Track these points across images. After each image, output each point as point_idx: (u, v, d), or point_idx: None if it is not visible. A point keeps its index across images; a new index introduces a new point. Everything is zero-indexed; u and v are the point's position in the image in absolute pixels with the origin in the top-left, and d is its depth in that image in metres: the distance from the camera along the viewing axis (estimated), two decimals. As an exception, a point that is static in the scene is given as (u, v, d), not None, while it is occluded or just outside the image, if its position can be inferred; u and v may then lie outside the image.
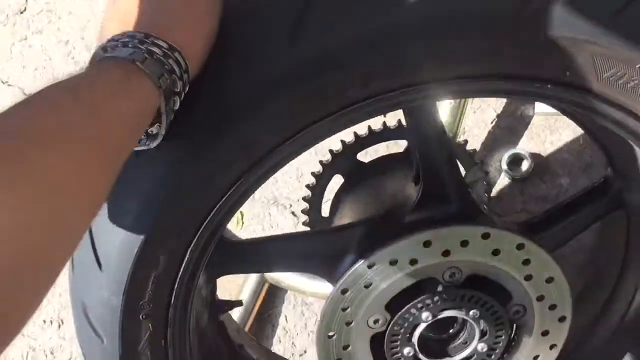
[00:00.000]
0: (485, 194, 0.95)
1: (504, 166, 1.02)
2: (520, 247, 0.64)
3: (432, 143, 0.65)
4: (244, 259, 0.72)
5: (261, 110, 0.51)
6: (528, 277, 0.66)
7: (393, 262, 0.63)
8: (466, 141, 0.89)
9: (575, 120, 0.68)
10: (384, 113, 0.58)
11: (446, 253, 0.63)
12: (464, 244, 0.63)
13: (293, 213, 1.18)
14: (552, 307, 0.68)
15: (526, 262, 0.65)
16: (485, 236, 0.63)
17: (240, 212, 1.15)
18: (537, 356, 0.71)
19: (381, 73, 0.51)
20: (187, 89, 0.51)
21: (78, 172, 0.41)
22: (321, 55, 0.49)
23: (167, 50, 0.48)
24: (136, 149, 0.50)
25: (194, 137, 0.53)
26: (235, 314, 1.03)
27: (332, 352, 0.69)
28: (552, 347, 0.71)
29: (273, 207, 1.19)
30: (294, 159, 0.56)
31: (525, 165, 1.02)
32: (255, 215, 1.17)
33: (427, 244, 0.62)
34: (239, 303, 0.82)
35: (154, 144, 0.51)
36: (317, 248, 0.71)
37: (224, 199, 0.56)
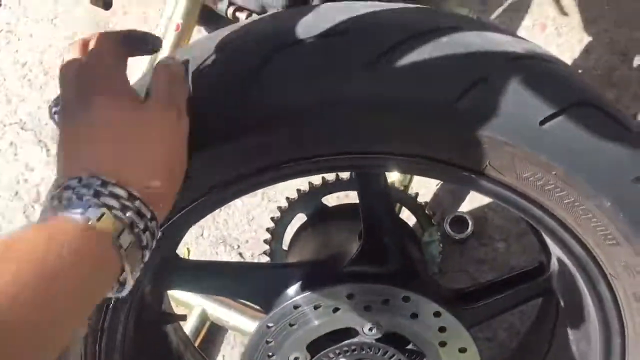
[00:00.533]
0: (440, 254, 1.00)
1: (447, 227, 1.07)
2: (437, 314, 0.69)
3: (375, 201, 0.71)
4: (192, 277, 0.78)
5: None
6: (442, 344, 0.70)
7: (317, 307, 0.68)
8: (427, 202, 0.94)
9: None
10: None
11: (368, 308, 0.68)
12: (385, 302, 0.68)
13: (240, 254, 1.24)
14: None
15: (442, 329, 0.69)
16: (406, 299, 0.68)
17: (187, 248, 1.21)
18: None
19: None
20: (157, 236, 0.48)
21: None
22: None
23: (127, 200, 0.45)
24: (108, 295, 0.47)
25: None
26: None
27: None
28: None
29: (221, 246, 1.25)
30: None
31: (466, 227, 1.07)
32: (202, 253, 1.23)
33: (350, 296, 0.68)
34: (183, 317, 0.88)
35: (124, 292, 0.47)
36: (260, 280, 0.77)
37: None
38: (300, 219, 0.95)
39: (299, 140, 0.57)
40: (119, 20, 1.51)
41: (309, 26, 0.56)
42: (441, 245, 0.98)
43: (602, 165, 0.58)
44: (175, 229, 0.65)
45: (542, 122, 0.56)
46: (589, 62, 1.19)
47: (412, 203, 0.94)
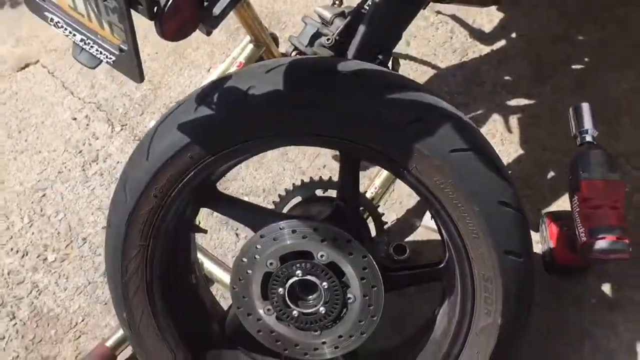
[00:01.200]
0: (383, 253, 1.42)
1: (390, 250, 1.49)
2: (364, 256, 1.10)
3: (350, 184, 1.14)
4: (224, 204, 1.21)
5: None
6: (362, 279, 1.11)
7: (294, 231, 1.10)
8: (383, 213, 1.37)
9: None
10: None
11: (323, 241, 1.10)
12: (334, 240, 1.09)
13: (236, 234, 1.64)
14: (369, 305, 1.12)
15: (364, 268, 1.11)
16: (348, 240, 1.09)
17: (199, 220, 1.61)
18: (351, 336, 1.15)
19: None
20: None
21: None
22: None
23: None
24: None
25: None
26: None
27: (239, 273, 1.14)
28: (362, 333, 1.15)
29: (224, 226, 1.66)
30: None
31: (404, 253, 1.48)
32: (210, 227, 1.64)
33: (315, 229, 1.09)
34: (205, 231, 1.28)
35: None
36: (263, 216, 1.18)
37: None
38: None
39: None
40: (191, 52, 2.00)
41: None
42: (385, 246, 1.40)
43: (479, 185, 1.02)
44: (219, 163, 1.08)
45: (451, 151, 1.01)
46: (517, 168, 1.66)
47: (373, 211, 1.36)
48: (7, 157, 1.81)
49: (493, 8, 1.96)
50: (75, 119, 1.86)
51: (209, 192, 1.19)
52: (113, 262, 1.15)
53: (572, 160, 1.36)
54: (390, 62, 1.32)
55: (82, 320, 1.54)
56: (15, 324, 1.55)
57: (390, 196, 1.63)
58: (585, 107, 1.41)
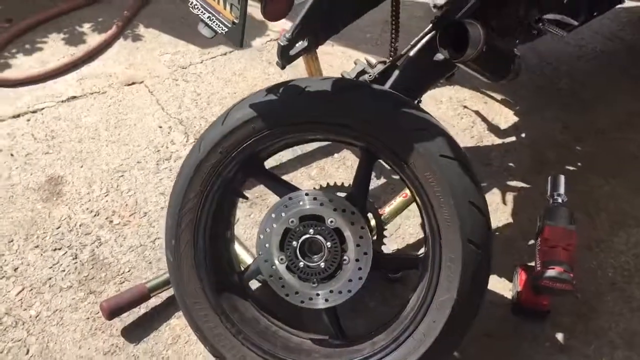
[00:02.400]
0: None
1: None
2: (362, 227, 1.45)
3: (363, 176, 1.52)
4: (265, 176, 1.59)
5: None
6: (357, 245, 1.45)
7: (315, 199, 1.47)
8: (386, 222, 1.72)
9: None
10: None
11: (335, 210, 1.45)
12: (343, 211, 1.45)
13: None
14: (359, 268, 1.45)
15: (361, 237, 1.45)
16: (352, 213, 1.45)
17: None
18: (340, 292, 1.47)
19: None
20: None
21: None
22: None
23: None
24: None
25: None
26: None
27: (266, 224, 1.50)
28: (349, 291, 1.47)
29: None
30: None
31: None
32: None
33: (330, 200, 1.46)
34: (246, 197, 1.66)
35: None
36: (294, 189, 1.55)
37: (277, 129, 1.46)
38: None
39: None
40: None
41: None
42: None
43: (456, 184, 1.38)
44: (273, 138, 1.48)
45: (440, 156, 1.39)
46: (505, 232, 1.99)
47: (378, 218, 1.72)
48: (101, 143, 2.26)
49: (511, 113, 2.39)
50: (160, 127, 2.31)
51: (257, 166, 1.59)
52: (176, 197, 1.53)
53: (542, 212, 1.70)
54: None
55: (128, 271, 1.89)
56: (76, 262, 1.91)
57: (397, 231, 1.98)
58: (562, 178, 1.77)
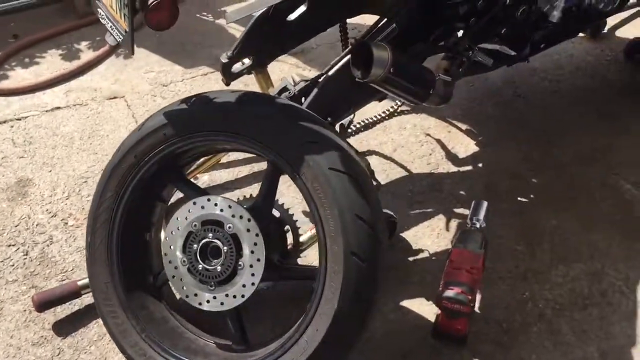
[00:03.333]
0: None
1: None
2: (257, 234, 1.50)
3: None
4: (180, 182, 1.67)
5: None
6: (252, 252, 1.50)
7: (215, 205, 1.53)
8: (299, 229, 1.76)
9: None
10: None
11: (233, 216, 1.51)
12: (240, 217, 1.51)
13: None
14: (253, 274, 1.50)
15: (255, 244, 1.50)
16: (249, 219, 1.50)
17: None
18: (234, 296, 1.51)
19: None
20: None
21: None
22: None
23: None
24: None
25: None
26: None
27: (172, 227, 1.57)
28: (242, 296, 1.51)
29: None
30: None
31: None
32: None
33: (230, 207, 1.52)
34: (165, 202, 1.74)
35: None
36: (203, 193, 1.63)
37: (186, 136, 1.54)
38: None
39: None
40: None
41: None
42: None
43: (343, 198, 1.42)
44: (183, 146, 1.56)
45: (329, 169, 1.43)
46: (443, 258, 1.99)
47: (295, 230, 1.76)
48: (73, 150, 2.40)
49: (472, 143, 2.40)
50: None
51: (175, 172, 1.67)
52: (95, 197, 1.63)
53: (456, 235, 1.71)
54: (338, 127, 1.79)
55: (71, 270, 1.99)
56: (26, 258, 2.02)
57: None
58: (484, 203, 1.78)
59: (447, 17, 1.71)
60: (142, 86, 2.70)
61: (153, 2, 1.24)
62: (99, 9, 1.41)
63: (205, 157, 2.11)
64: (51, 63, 2.84)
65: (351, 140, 2.39)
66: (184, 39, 2.99)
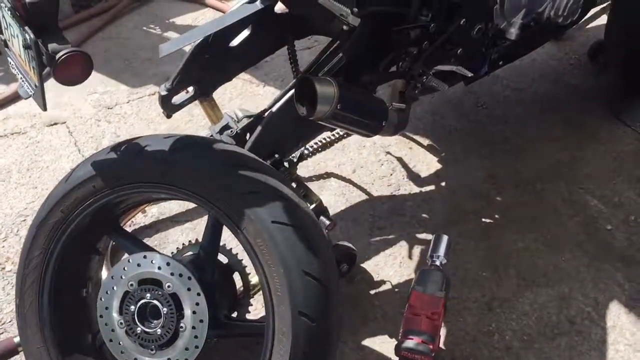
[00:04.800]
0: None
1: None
2: (199, 294, 1.37)
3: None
4: (117, 234, 1.54)
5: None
6: (194, 312, 1.38)
7: (152, 262, 1.40)
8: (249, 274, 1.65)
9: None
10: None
11: (172, 274, 1.39)
12: (179, 275, 1.39)
13: None
14: (196, 336, 1.38)
15: (197, 304, 1.38)
16: (189, 277, 1.38)
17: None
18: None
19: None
20: None
21: None
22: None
23: None
24: None
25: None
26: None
27: (106, 287, 1.44)
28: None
29: None
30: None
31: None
32: None
33: (168, 264, 1.39)
34: (101, 254, 1.61)
35: None
36: (141, 247, 1.50)
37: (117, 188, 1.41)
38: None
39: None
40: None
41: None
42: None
43: (288, 253, 1.30)
44: (115, 198, 1.42)
45: (273, 222, 1.31)
46: (406, 289, 1.90)
47: (245, 279, 1.64)
48: (11, 186, 2.24)
49: (435, 160, 2.30)
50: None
51: (109, 224, 1.53)
52: (22, 255, 1.49)
53: (416, 274, 1.61)
54: (288, 163, 1.67)
55: (10, 321, 1.85)
56: (-41, 310, 1.88)
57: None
58: (445, 238, 1.68)
59: (398, 42, 1.59)
60: (85, 110, 2.54)
61: (61, 57, 1.10)
62: (9, 58, 1.27)
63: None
64: (-13, 87, 2.67)
65: (308, 161, 2.27)
66: (129, 55, 2.83)
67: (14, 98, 2.56)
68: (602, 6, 2.27)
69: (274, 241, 1.30)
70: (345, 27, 1.42)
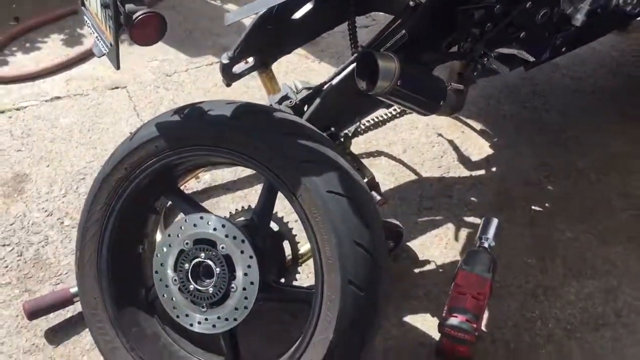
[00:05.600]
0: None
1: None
2: (251, 257, 1.42)
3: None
4: (174, 195, 1.59)
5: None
6: (245, 274, 1.42)
7: (208, 223, 1.45)
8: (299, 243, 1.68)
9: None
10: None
11: (226, 236, 1.43)
12: (233, 238, 1.43)
13: None
14: (245, 297, 1.42)
15: (249, 266, 1.42)
16: (242, 240, 1.42)
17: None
18: (227, 319, 1.44)
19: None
20: None
21: None
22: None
23: None
24: None
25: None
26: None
27: (163, 244, 1.49)
28: (234, 319, 1.44)
29: None
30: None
31: None
32: None
33: (223, 226, 1.44)
34: (158, 213, 1.66)
35: None
36: (197, 208, 1.55)
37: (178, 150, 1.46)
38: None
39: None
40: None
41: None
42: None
43: (341, 223, 1.33)
44: (176, 159, 1.47)
45: (327, 192, 1.34)
46: (451, 269, 1.91)
47: (294, 248, 1.68)
48: (72, 145, 2.32)
49: (487, 145, 2.29)
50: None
51: (168, 185, 1.59)
52: (83, 210, 1.56)
53: (463, 256, 1.62)
54: (343, 137, 1.69)
55: (66, 273, 1.94)
56: (20, 260, 1.97)
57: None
58: (495, 221, 1.68)
59: (461, 22, 1.59)
60: (145, 76, 2.61)
61: (138, 17, 1.14)
62: (85, 17, 1.32)
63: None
64: (52, 49, 2.75)
65: (360, 139, 2.29)
66: (190, 26, 2.89)
67: (79, 60, 2.64)
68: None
69: (328, 210, 1.33)
70: (411, 3, 1.42)
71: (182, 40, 2.80)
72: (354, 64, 1.54)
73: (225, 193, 2.14)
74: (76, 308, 1.83)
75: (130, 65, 2.67)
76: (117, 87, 2.56)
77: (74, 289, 1.80)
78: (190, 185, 2.15)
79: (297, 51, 2.58)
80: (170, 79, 2.59)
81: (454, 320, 1.46)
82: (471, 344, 1.48)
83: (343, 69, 1.60)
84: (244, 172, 2.20)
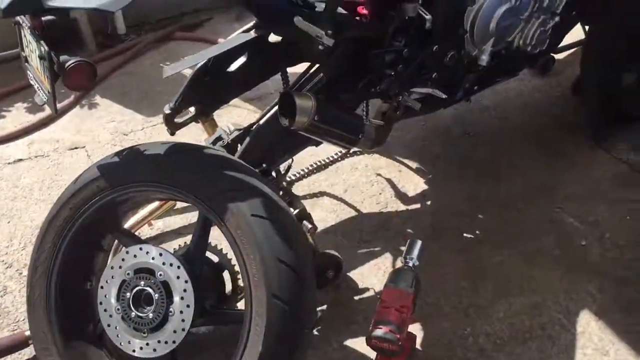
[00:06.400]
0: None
1: None
2: (186, 281, 1.54)
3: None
4: (119, 234, 1.72)
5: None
6: (181, 298, 1.54)
7: (147, 253, 1.57)
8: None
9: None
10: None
11: (163, 263, 1.56)
12: (170, 265, 1.55)
13: None
14: (183, 320, 1.54)
15: (184, 290, 1.54)
16: (178, 266, 1.55)
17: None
18: (166, 342, 1.55)
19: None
20: None
21: None
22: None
23: None
24: None
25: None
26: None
27: (107, 276, 1.61)
28: (173, 342, 1.54)
29: None
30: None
31: None
32: None
33: (161, 254, 1.56)
34: (105, 251, 1.79)
35: None
36: (138, 242, 1.67)
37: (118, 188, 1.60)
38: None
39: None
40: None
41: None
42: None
43: (265, 242, 1.47)
44: (116, 198, 1.62)
45: (252, 215, 1.49)
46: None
47: (233, 273, 1.79)
48: (32, 201, 2.46)
49: (422, 181, 2.46)
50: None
51: (112, 223, 1.72)
52: (33, 250, 1.68)
53: (389, 275, 1.75)
54: (275, 173, 1.85)
55: (23, 320, 2.02)
56: (-21, 308, 2.07)
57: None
58: (418, 242, 1.82)
59: (374, 65, 1.78)
60: (103, 136, 2.78)
61: (69, 65, 1.31)
62: (28, 72, 1.49)
63: (159, 203, 2.16)
64: (16, 116, 2.93)
65: (304, 181, 2.45)
66: (146, 88, 3.08)
67: (39, 125, 2.80)
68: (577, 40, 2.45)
69: (252, 231, 1.47)
70: (321, 47, 1.61)
71: (139, 102, 2.99)
72: (277, 105, 1.72)
73: (177, 237, 2.27)
74: (31, 351, 1.91)
75: (90, 126, 2.84)
76: (76, 147, 2.72)
77: (29, 332, 1.89)
78: (144, 232, 2.28)
79: (247, 106, 2.79)
80: (127, 137, 2.75)
81: (378, 332, 1.58)
82: (403, 354, 1.60)
83: (268, 110, 1.77)
84: (194, 217, 2.33)
